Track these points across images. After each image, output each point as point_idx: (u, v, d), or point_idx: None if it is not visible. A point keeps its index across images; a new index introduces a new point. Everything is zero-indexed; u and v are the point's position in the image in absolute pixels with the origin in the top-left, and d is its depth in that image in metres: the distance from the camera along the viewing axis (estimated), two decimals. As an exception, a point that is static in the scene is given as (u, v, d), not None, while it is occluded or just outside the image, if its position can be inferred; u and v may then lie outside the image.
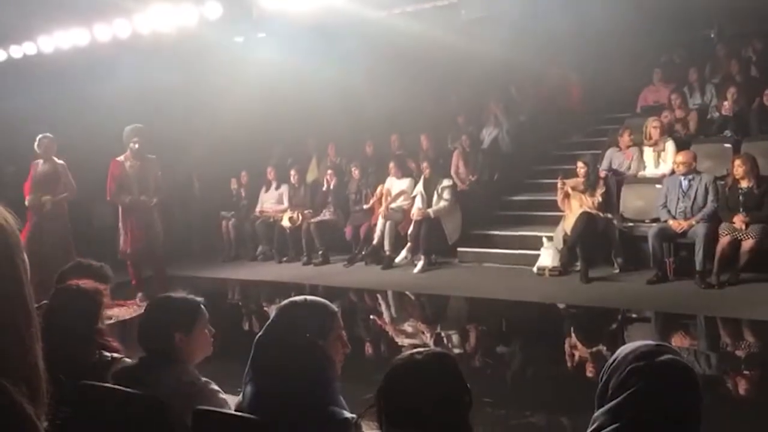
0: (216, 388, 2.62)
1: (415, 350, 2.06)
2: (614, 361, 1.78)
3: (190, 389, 2.52)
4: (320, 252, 10.01)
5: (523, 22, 10.20)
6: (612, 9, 9.69)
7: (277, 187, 10.95)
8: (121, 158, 8.06)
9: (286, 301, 2.42)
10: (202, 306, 2.76)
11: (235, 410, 2.37)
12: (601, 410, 1.74)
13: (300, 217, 10.33)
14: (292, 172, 10.87)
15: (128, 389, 2.48)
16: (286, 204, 10.77)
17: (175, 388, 2.48)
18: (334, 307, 2.42)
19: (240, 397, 2.39)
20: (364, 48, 10.76)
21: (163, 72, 9.79)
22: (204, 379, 2.65)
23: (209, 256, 10.94)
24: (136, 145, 7.96)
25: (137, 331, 2.78)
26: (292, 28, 10.05)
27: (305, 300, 2.42)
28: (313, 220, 10.19)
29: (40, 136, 7.91)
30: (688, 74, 10.44)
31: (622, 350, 1.79)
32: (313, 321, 2.34)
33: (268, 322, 2.37)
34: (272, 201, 10.95)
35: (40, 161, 7.96)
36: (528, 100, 11.45)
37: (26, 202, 7.76)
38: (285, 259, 10.41)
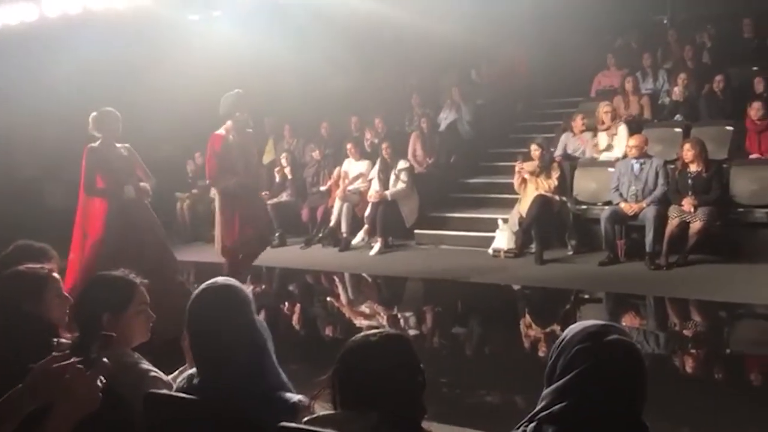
0: (147, 367, 2.48)
1: (369, 332, 2.07)
2: (562, 340, 1.81)
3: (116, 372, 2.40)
4: (277, 234, 9.94)
5: (481, 2, 10.22)
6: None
7: (234, 169, 10.79)
8: (221, 131, 6.53)
9: (197, 291, 2.33)
10: (141, 288, 2.60)
11: (180, 390, 2.34)
12: (549, 389, 1.77)
13: (256, 199, 10.24)
14: (249, 154, 10.73)
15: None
16: (242, 185, 10.63)
17: None
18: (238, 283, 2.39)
19: (184, 381, 2.37)
20: (322, 27, 10.65)
21: (116, 51, 9.55)
22: (134, 360, 2.51)
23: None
24: (245, 115, 6.54)
25: (70, 310, 2.67)
26: (248, 6, 9.91)
27: (215, 284, 2.35)
28: (269, 202, 10.11)
29: (96, 113, 5.94)
30: (641, 59, 10.60)
31: (570, 330, 1.82)
32: (235, 304, 2.30)
33: (189, 313, 2.30)
34: (228, 182, 10.80)
35: (102, 143, 5.95)
36: (486, 82, 11.50)
37: (96, 193, 5.95)
38: (241, 241, 10.31)
